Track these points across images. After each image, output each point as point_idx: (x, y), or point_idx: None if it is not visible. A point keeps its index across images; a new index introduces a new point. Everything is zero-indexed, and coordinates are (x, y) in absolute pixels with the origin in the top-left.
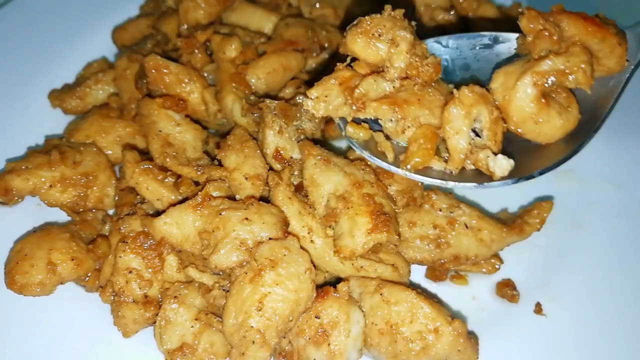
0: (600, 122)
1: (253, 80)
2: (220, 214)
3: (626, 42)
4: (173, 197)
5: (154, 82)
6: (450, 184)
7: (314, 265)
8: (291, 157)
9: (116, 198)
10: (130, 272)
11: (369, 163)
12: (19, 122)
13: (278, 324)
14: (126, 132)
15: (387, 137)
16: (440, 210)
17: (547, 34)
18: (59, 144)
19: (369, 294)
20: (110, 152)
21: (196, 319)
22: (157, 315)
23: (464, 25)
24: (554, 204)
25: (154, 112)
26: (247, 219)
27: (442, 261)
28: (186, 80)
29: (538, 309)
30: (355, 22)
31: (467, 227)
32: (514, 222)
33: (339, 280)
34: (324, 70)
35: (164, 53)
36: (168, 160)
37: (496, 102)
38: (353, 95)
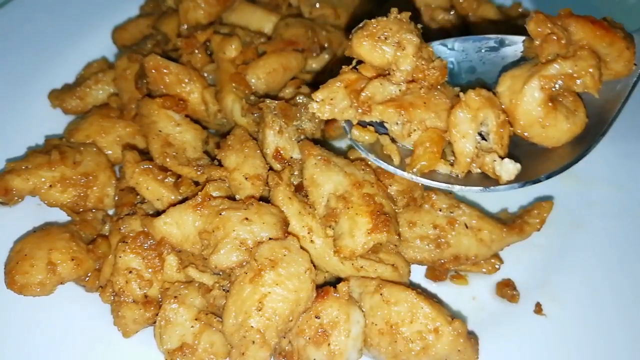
0: (608, 126)
1: (253, 80)
2: (220, 214)
3: (634, 46)
4: (173, 197)
5: (154, 82)
6: (457, 188)
7: (314, 265)
8: (291, 157)
9: (116, 198)
10: (130, 272)
11: (369, 163)
12: (19, 122)
13: (278, 324)
14: (126, 132)
15: (393, 140)
16: (440, 210)
17: (555, 37)
18: (59, 144)
19: (369, 294)
20: (110, 152)
21: (196, 319)
22: (157, 315)
23: (464, 25)
24: (554, 204)
25: (154, 112)
26: (247, 219)
27: (442, 261)
28: (186, 80)
29: (538, 309)
30: (361, 25)
31: (467, 227)
32: (514, 222)
33: (339, 280)
34: (330, 72)
35: (164, 53)
36: (168, 160)
37: (503, 106)
38: (359, 98)
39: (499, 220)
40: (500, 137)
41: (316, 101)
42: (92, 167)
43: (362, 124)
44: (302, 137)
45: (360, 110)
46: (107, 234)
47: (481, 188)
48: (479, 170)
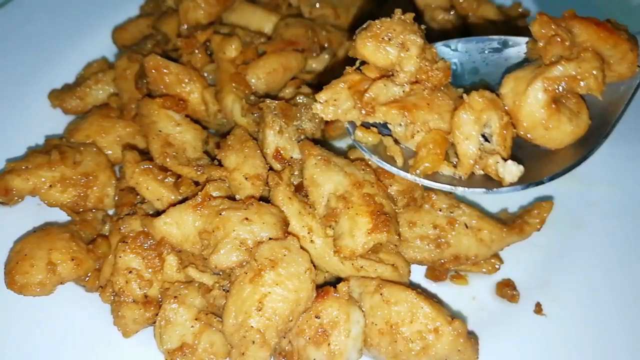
0: (611, 128)
1: (253, 80)
2: (220, 214)
3: (638, 48)
4: (173, 197)
5: (154, 82)
6: (460, 190)
7: (314, 265)
8: (291, 157)
9: (116, 198)
10: (130, 272)
11: (369, 163)
12: (19, 122)
13: (278, 324)
14: (126, 132)
15: (396, 142)
16: (440, 210)
17: (558, 39)
18: (59, 144)
19: (369, 294)
20: (110, 152)
21: (196, 319)
22: (157, 315)
23: (464, 26)
24: (554, 204)
25: (154, 112)
26: (247, 219)
27: (442, 261)
28: (186, 80)
29: (538, 309)
30: (365, 26)
31: (467, 227)
32: (514, 222)
33: (339, 280)
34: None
35: (164, 53)
36: (168, 160)
37: (506, 107)
38: (362, 99)
39: (499, 220)
40: (503, 138)
41: (320, 102)
42: (92, 167)
43: (366, 125)
44: (302, 137)
45: (363, 112)
46: (107, 234)
47: (484, 190)
48: (482, 172)
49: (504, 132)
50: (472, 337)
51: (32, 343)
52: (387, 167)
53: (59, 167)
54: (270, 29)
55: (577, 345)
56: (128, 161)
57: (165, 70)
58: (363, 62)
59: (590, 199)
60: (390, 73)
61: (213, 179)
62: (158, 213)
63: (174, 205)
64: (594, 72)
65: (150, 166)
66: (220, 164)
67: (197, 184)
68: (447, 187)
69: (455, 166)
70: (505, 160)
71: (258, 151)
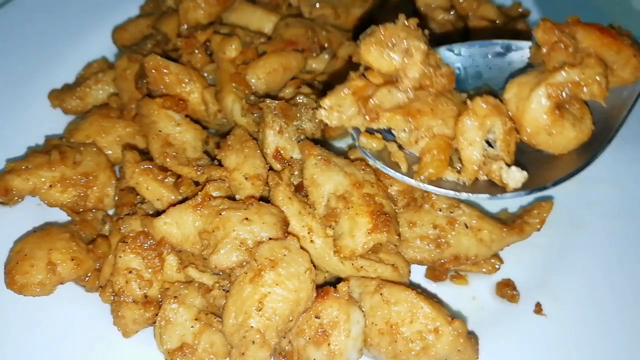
0: (614, 133)
1: (253, 80)
2: (220, 214)
3: None
4: (173, 197)
5: (154, 82)
6: (464, 195)
7: (314, 265)
8: (291, 157)
9: (116, 198)
10: (130, 272)
11: (369, 163)
12: (19, 122)
13: (278, 324)
14: (126, 132)
15: (400, 147)
16: (440, 210)
17: (562, 46)
18: (59, 144)
19: (369, 294)
20: (110, 152)
21: (196, 319)
22: (157, 315)
23: (464, 29)
24: (554, 204)
25: (154, 112)
26: (247, 219)
27: (442, 261)
28: (186, 80)
29: (538, 309)
30: (368, 32)
31: (467, 227)
32: (514, 222)
33: (339, 280)
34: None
35: (164, 53)
36: (168, 160)
37: (509, 113)
38: (367, 105)
39: (499, 220)
40: (507, 144)
41: (324, 108)
42: (92, 167)
43: (370, 131)
44: (302, 137)
45: (368, 118)
46: (107, 234)
47: (488, 195)
48: (485, 178)
49: (508, 137)
50: (472, 337)
51: (32, 343)
52: (392, 172)
53: (59, 167)
54: (270, 29)
55: (577, 345)
56: (128, 161)
57: (165, 70)
58: (367, 68)
59: (590, 199)
60: (394, 79)
61: (213, 179)
62: (158, 213)
63: (174, 205)
64: (598, 78)
65: (150, 166)
66: (220, 164)
67: (197, 184)
68: (451, 193)
69: (459, 172)
70: (509, 166)
71: (258, 151)
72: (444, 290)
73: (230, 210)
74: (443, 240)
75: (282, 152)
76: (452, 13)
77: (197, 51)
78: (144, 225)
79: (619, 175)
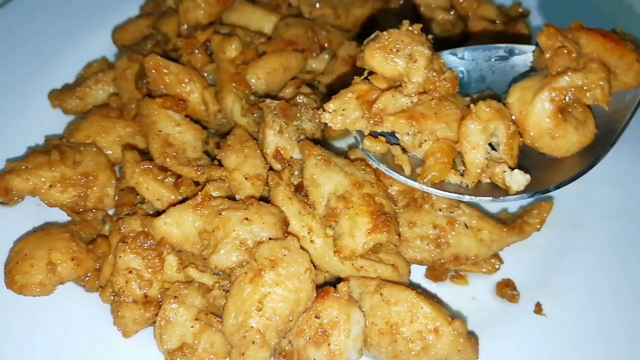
0: (617, 137)
1: (253, 80)
2: (220, 214)
3: None
4: (173, 197)
5: (154, 82)
6: (467, 198)
7: (314, 265)
8: (291, 157)
9: (116, 198)
10: (130, 272)
11: (369, 163)
12: (19, 122)
13: (278, 324)
14: (126, 132)
15: (404, 150)
16: (440, 210)
17: (565, 51)
18: (59, 144)
19: (369, 294)
20: (110, 152)
21: (196, 319)
22: (157, 315)
23: (463, 33)
24: (554, 204)
25: (154, 112)
26: (247, 219)
27: (442, 261)
28: (186, 80)
29: (538, 309)
30: (372, 37)
31: (467, 227)
32: (514, 222)
33: (339, 280)
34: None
35: (164, 53)
36: (168, 160)
37: (512, 117)
38: (371, 109)
39: (499, 220)
40: (510, 147)
41: (328, 112)
42: (92, 167)
43: (374, 134)
44: (302, 137)
45: (372, 121)
46: (107, 234)
47: (491, 198)
48: (488, 180)
49: (511, 141)
50: (472, 337)
51: (32, 343)
52: (395, 175)
53: (59, 167)
54: (270, 29)
55: (577, 345)
56: (128, 161)
57: (165, 70)
58: (371, 72)
59: (590, 199)
60: (398, 83)
61: (213, 179)
62: (158, 213)
63: (174, 205)
64: (601, 82)
65: (150, 166)
66: (220, 164)
67: (197, 184)
68: (454, 196)
69: (462, 175)
70: (512, 169)
71: (258, 151)
72: (444, 290)
73: (230, 210)
74: (443, 240)
75: (282, 152)
76: (452, 13)
77: (197, 51)
78: (144, 225)
79: (619, 175)
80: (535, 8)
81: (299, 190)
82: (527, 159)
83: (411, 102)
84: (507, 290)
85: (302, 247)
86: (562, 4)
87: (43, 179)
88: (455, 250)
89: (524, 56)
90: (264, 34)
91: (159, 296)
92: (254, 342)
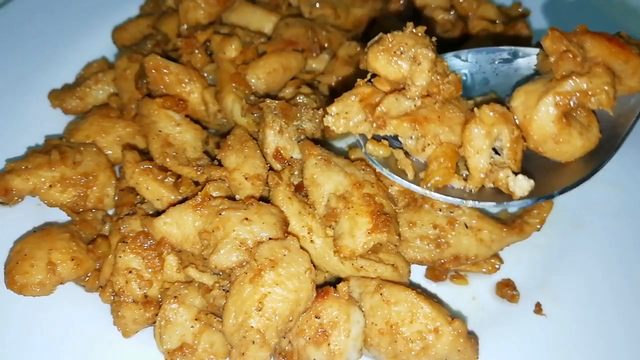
0: (621, 141)
1: (253, 80)
2: (220, 214)
3: None
4: (173, 197)
5: (154, 82)
6: (470, 203)
7: (314, 265)
8: (291, 157)
9: (116, 198)
10: (130, 272)
11: (369, 163)
12: (19, 122)
13: (278, 324)
14: (126, 132)
15: (407, 154)
16: (440, 210)
17: (570, 55)
18: (59, 144)
19: (369, 294)
20: (110, 152)
21: (196, 319)
22: (157, 315)
23: (463, 34)
24: (554, 204)
25: (154, 112)
26: (247, 219)
27: (442, 261)
28: (186, 80)
29: (538, 309)
30: (376, 39)
31: (467, 227)
32: (514, 222)
33: (339, 280)
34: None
35: (164, 53)
36: (168, 160)
37: (516, 121)
38: (374, 112)
39: (499, 220)
40: (514, 152)
41: (331, 115)
42: (92, 167)
43: (377, 138)
44: (303, 137)
45: (375, 125)
46: (107, 234)
47: (494, 203)
48: (491, 185)
49: (515, 145)
50: (472, 337)
51: (32, 343)
52: (398, 180)
53: (59, 167)
54: (270, 29)
55: (577, 345)
56: (128, 161)
57: (165, 70)
58: (374, 75)
59: (590, 199)
60: (402, 86)
61: (213, 179)
62: (158, 213)
63: (174, 205)
64: (606, 87)
65: (150, 166)
66: (220, 164)
67: (197, 184)
68: (457, 201)
69: (465, 179)
70: (516, 174)
71: (258, 151)
72: (444, 290)
73: (230, 210)
74: (443, 240)
75: (282, 152)
76: (452, 13)
77: (197, 51)
78: (144, 225)
79: (619, 175)
80: (535, 8)
81: (299, 190)
82: (530, 162)
83: (414, 105)
84: (507, 290)
85: (302, 247)
86: (562, 4)
87: (43, 179)
88: (455, 250)
89: (528, 59)
90: (264, 34)
91: (159, 296)
92: (254, 342)
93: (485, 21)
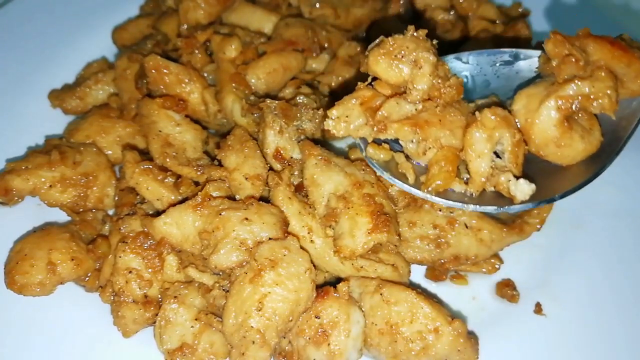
0: (623, 144)
1: (253, 80)
2: (220, 214)
3: None
4: (173, 197)
5: (154, 82)
6: (471, 207)
7: (314, 265)
8: (291, 157)
9: (116, 198)
10: (130, 272)
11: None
12: (19, 122)
13: (278, 324)
14: (126, 132)
15: (408, 158)
16: (440, 210)
17: (573, 59)
18: (59, 144)
19: (369, 294)
20: (110, 152)
21: (196, 319)
22: (157, 315)
23: (463, 36)
24: (554, 204)
25: (154, 112)
26: (247, 219)
27: (442, 261)
28: (186, 80)
29: (538, 309)
30: (377, 42)
31: (467, 227)
32: (514, 222)
33: (339, 280)
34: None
35: (164, 53)
36: (168, 160)
37: (518, 124)
38: (374, 116)
39: (499, 220)
40: (515, 156)
41: (331, 118)
42: (92, 167)
43: (377, 142)
44: (303, 137)
45: (375, 129)
46: (107, 234)
47: (495, 207)
48: (493, 189)
49: (516, 149)
50: (472, 337)
51: (32, 343)
52: (399, 183)
53: (59, 167)
54: (270, 29)
55: (577, 345)
56: (128, 161)
57: (165, 70)
58: (375, 78)
59: (590, 199)
60: (403, 90)
61: (213, 179)
62: (158, 213)
63: (174, 205)
64: (608, 91)
65: (150, 166)
66: (220, 164)
67: (197, 184)
68: (458, 205)
69: (466, 183)
70: (517, 177)
71: (258, 151)
72: (444, 290)
73: (230, 210)
74: (443, 240)
75: (282, 152)
76: (452, 13)
77: (197, 51)
78: (144, 225)
79: (619, 175)
80: (535, 8)
81: (299, 190)
82: (532, 166)
83: (415, 109)
84: (507, 290)
85: (302, 247)
86: (563, 5)
87: (43, 179)
88: (455, 250)
89: (529, 61)
90: (264, 34)
91: (159, 296)
92: (254, 342)
93: (485, 21)
